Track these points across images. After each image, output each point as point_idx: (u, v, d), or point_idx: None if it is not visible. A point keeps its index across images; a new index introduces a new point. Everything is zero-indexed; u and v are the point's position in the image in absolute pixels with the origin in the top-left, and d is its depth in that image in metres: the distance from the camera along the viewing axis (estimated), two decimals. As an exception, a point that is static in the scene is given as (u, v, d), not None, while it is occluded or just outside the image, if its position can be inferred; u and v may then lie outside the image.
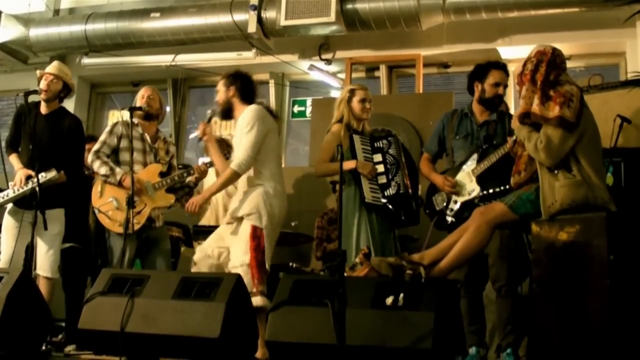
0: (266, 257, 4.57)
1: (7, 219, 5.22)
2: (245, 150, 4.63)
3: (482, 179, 4.48)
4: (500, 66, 4.71)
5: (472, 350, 4.38)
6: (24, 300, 4.20)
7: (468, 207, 4.43)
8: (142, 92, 5.39)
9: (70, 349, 5.29)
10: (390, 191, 4.91)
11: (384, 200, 4.90)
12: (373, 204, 4.87)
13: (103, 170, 5.15)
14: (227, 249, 4.69)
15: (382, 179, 4.94)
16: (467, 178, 4.55)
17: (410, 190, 4.97)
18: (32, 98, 5.11)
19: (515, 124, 3.90)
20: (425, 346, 3.19)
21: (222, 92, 4.92)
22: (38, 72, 5.41)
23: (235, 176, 4.66)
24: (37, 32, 8.23)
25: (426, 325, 3.23)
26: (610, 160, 4.50)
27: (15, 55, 8.45)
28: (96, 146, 5.27)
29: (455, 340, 3.60)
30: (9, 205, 5.24)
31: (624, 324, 3.40)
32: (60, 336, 5.56)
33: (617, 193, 3.87)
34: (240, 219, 4.66)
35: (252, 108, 4.77)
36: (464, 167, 4.59)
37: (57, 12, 8.90)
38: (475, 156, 4.56)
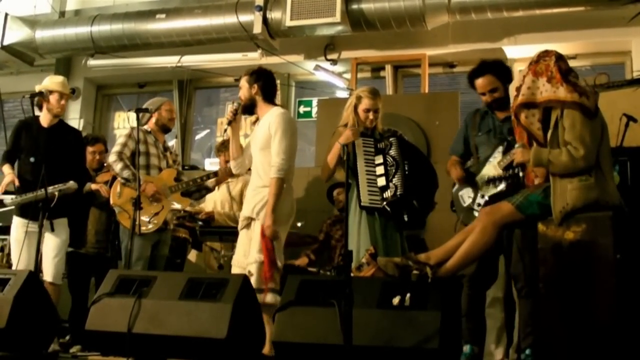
0: (277, 255, 4.57)
1: (17, 231, 5.24)
2: (279, 155, 4.61)
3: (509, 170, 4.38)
4: (485, 71, 4.53)
5: (467, 348, 4.30)
6: (31, 301, 4.22)
7: (496, 199, 4.28)
8: (168, 107, 5.54)
9: (75, 349, 5.31)
10: (389, 193, 4.79)
11: (383, 203, 4.84)
12: (370, 206, 4.84)
13: (125, 174, 5.22)
14: None
15: (382, 181, 4.87)
16: (494, 170, 4.48)
17: (410, 190, 4.83)
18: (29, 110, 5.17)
19: (525, 157, 3.80)
20: (432, 346, 3.20)
21: (245, 88, 4.89)
22: (44, 89, 5.35)
23: (281, 182, 4.61)
24: (43, 34, 8.25)
25: (433, 325, 3.24)
26: (616, 159, 4.48)
27: (21, 57, 8.47)
28: (117, 147, 5.30)
29: (459, 340, 3.59)
30: (17, 218, 5.27)
31: (630, 322, 3.40)
32: (67, 337, 5.59)
33: (623, 192, 3.85)
34: (253, 219, 4.67)
35: (281, 113, 4.78)
36: (490, 159, 4.51)
37: (62, 13, 8.93)
38: (500, 149, 4.44)
